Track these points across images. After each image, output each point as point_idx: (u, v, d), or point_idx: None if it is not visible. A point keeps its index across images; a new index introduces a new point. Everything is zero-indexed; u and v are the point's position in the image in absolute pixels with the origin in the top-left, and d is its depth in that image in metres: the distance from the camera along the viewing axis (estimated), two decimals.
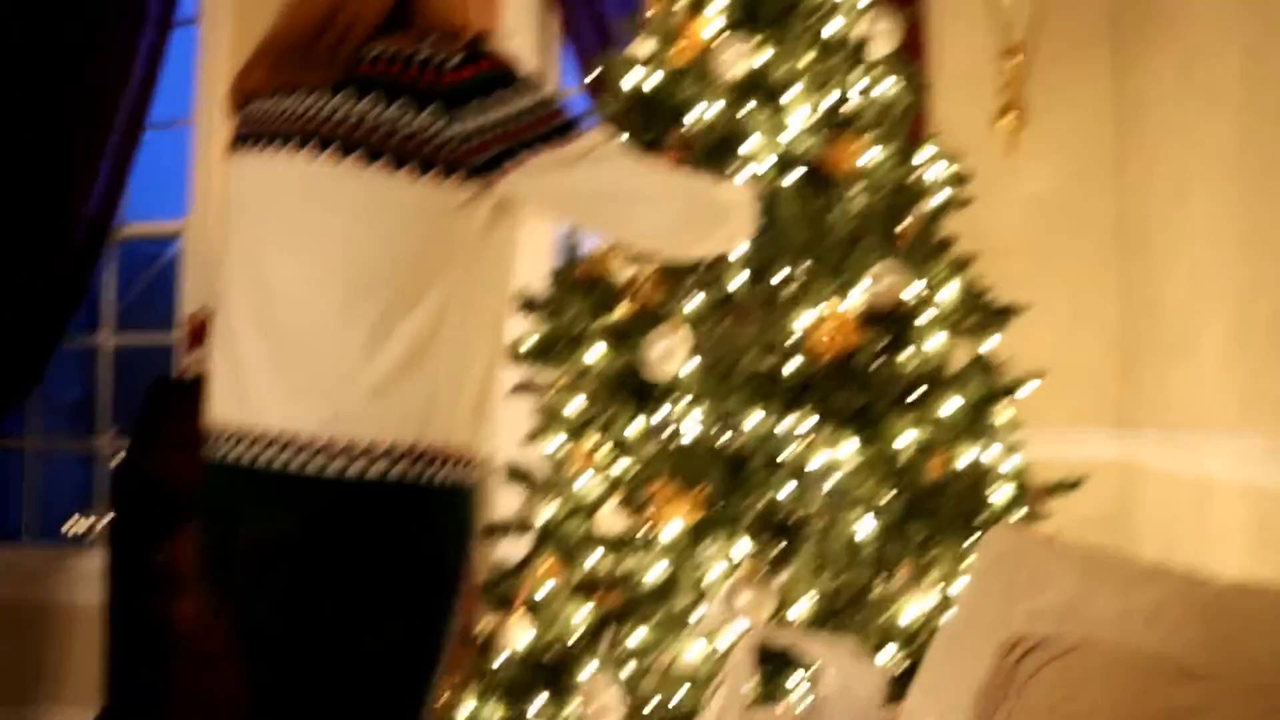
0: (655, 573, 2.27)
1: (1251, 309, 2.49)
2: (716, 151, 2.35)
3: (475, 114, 1.43)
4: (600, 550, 2.37)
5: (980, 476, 2.41)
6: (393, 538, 1.47)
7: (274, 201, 1.50)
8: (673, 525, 2.23)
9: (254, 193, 1.54)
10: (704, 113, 2.38)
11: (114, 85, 4.00)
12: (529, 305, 2.51)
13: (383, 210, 1.44)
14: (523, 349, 2.51)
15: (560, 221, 1.61)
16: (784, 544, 2.25)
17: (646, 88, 2.45)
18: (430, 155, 1.43)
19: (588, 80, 2.77)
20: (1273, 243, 2.36)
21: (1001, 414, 2.49)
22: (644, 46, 2.50)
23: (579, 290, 2.41)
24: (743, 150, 2.34)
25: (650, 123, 2.39)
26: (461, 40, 1.47)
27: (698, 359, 2.29)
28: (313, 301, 1.46)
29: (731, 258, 2.29)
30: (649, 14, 2.55)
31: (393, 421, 1.44)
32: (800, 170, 2.37)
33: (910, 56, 3.28)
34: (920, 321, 2.34)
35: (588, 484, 2.45)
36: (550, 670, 2.37)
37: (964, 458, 2.40)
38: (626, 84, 2.47)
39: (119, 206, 4.13)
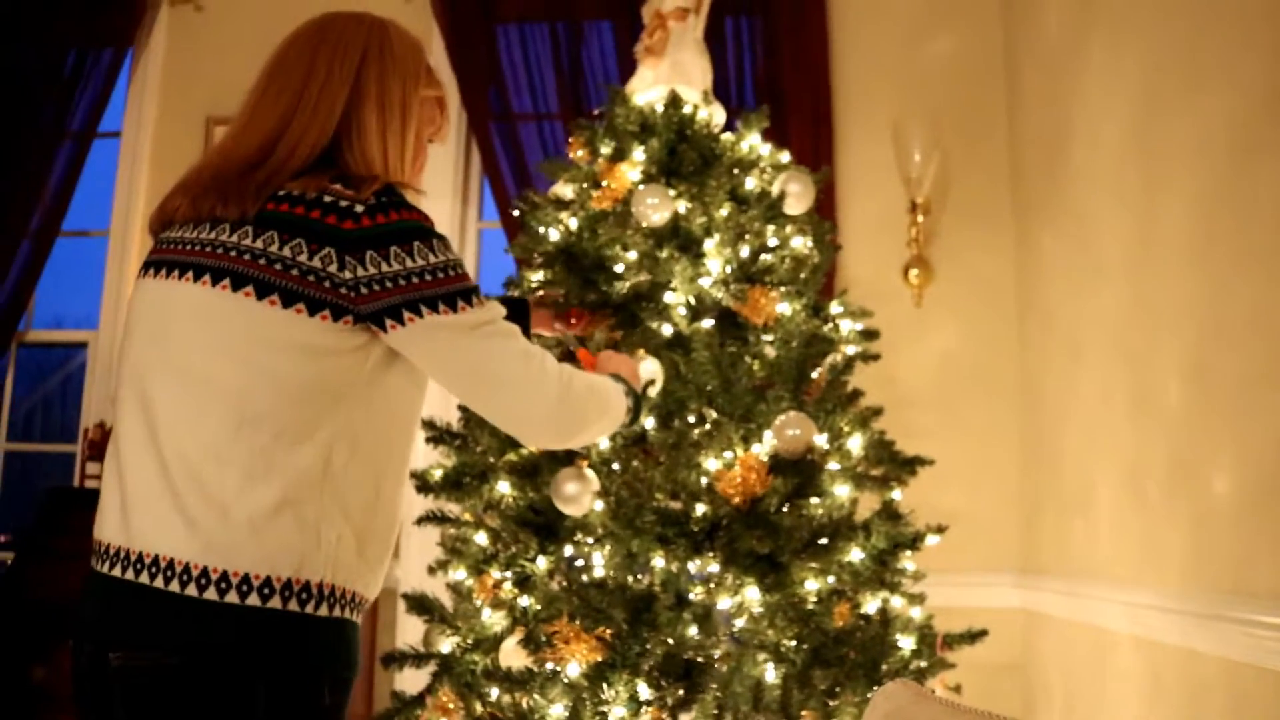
0: (556, 712, 2.22)
1: (1141, 469, 2.56)
2: (636, 297, 2.39)
3: (370, 263, 1.43)
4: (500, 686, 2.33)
5: (887, 624, 2.42)
6: (267, 665, 1.42)
7: (165, 327, 1.50)
8: (573, 666, 2.20)
9: (148, 317, 1.54)
10: (624, 259, 2.43)
11: (27, 193, 3.97)
12: (438, 437, 2.51)
13: (268, 345, 1.44)
14: (431, 480, 2.49)
15: (434, 380, 1.59)
16: (687, 687, 2.22)
17: (566, 231, 2.50)
18: (319, 297, 1.43)
19: (513, 214, 2.81)
20: (1159, 407, 2.46)
21: (907, 562, 2.51)
22: (565, 189, 2.57)
23: (488, 424, 2.41)
24: (661, 297, 2.39)
25: (570, 265, 2.43)
26: (373, 186, 1.47)
27: (605, 499, 2.29)
28: (194, 429, 1.44)
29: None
30: (572, 157, 2.62)
31: (269, 556, 1.41)
32: (713, 318, 2.43)
33: (824, 215, 3.42)
34: (828, 469, 2.38)
35: (490, 618, 2.41)
36: None
37: (870, 604, 2.42)
38: (545, 225, 2.52)
39: (25, 310, 4.06)
